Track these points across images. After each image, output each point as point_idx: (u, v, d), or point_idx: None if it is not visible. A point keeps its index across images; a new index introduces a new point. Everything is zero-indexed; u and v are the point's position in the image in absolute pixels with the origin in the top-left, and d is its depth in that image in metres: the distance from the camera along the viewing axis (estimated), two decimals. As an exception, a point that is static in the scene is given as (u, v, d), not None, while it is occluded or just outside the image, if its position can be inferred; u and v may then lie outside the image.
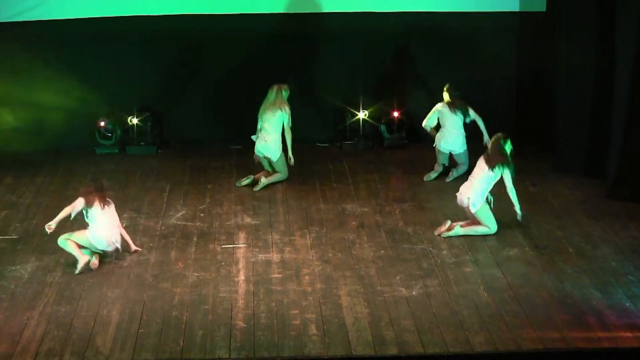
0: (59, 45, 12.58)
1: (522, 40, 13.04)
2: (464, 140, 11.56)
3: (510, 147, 9.86)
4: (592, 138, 11.58)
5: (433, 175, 11.68)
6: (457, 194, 9.91)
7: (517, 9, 12.96)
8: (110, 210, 9.31)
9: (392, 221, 10.40)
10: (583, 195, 11.16)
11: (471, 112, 11.53)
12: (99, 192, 9.24)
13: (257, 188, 11.34)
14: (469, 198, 9.76)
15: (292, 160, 11.39)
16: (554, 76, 12.07)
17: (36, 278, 8.91)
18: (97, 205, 9.16)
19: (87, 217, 9.19)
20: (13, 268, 9.12)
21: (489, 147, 9.96)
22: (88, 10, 12.54)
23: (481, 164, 9.85)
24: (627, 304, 8.29)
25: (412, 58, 13.04)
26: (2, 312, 8.21)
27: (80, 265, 8.98)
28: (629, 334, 7.79)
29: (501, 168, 9.72)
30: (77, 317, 8.11)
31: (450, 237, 9.80)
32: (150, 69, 12.84)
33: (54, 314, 8.17)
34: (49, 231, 9.05)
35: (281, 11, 12.76)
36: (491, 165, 9.73)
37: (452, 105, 11.54)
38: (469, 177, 9.96)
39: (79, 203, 9.15)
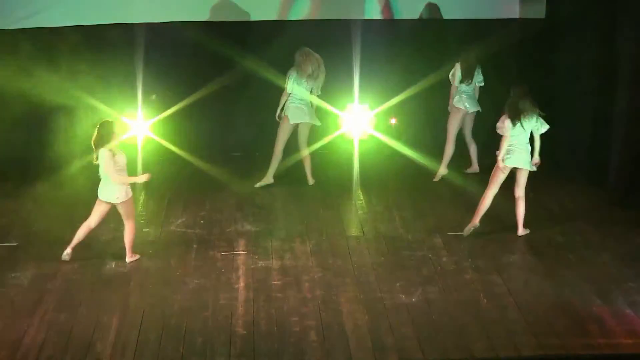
0: (59, 53, 12.56)
1: (522, 47, 13.04)
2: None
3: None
4: (593, 144, 11.59)
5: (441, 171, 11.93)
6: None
7: (516, 16, 12.97)
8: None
9: (392, 228, 10.40)
10: (583, 201, 11.16)
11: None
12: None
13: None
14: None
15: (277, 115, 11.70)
16: (554, 82, 12.08)
17: (36, 285, 8.90)
18: None
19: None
20: (13, 275, 9.11)
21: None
22: (90, 18, 12.54)
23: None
24: (628, 311, 8.28)
25: (412, 65, 13.02)
26: (2, 319, 8.19)
27: None
28: (629, 341, 7.78)
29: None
30: (77, 324, 8.11)
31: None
32: (151, 76, 12.82)
33: (53, 321, 8.16)
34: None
35: (281, 19, 12.76)
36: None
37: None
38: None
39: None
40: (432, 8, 12.89)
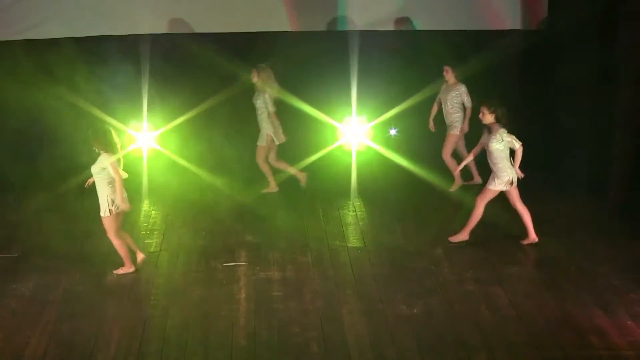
0: (58, 66, 12.57)
1: (523, 58, 13.06)
2: None
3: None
4: (592, 155, 11.60)
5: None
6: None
7: (518, 27, 12.99)
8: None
9: (393, 239, 10.41)
10: (585, 212, 11.16)
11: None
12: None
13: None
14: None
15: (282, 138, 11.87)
16: (554, 93, 12.09)
17: (37, 296, 8.90)
18: None
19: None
20: (14, 286, 9.11)
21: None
22: (91, 29, 12.57)
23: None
24: (630, 322, 8.27)
25: (410, 77, 13.03)
26: (3, 330, 8.19)
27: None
28: (631, 352, 7.77)
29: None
30: (78, 335, 8.10)
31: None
32: (152, 86, 12.84)
33: (55, 332, 8.16)
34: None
35: (276, 30, 12.79)
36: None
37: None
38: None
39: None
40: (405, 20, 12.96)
